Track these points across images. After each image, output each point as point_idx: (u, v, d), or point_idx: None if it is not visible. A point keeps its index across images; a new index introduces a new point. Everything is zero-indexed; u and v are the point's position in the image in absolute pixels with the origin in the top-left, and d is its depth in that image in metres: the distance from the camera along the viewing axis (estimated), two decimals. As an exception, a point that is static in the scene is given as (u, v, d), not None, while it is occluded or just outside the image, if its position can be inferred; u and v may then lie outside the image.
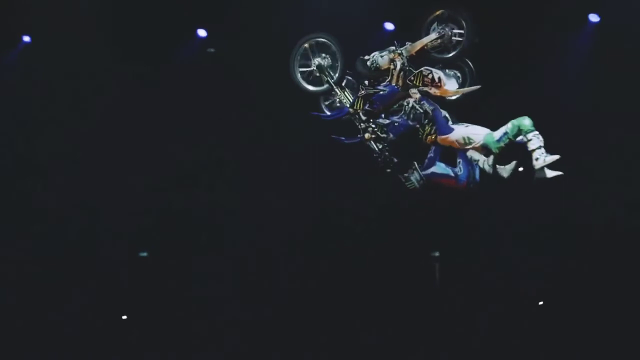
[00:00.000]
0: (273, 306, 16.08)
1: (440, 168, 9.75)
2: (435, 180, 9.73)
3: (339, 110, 9.94)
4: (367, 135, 9.65)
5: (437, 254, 16.29)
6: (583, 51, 14.93)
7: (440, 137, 9.53)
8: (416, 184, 9.66)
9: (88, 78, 15.37)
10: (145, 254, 16.40)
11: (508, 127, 9.34)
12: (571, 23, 14.88)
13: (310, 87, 9.98)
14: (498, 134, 9.38)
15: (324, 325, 16.02)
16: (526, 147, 9.29)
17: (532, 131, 9.26)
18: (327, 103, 10.07)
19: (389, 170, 9.69)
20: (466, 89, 9.50)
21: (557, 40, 14.86)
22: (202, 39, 15.65)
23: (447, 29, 9.54)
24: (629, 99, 14.68)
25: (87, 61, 15.25)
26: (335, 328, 16.02)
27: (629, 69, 14.60)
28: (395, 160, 9.65)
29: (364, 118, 9.68)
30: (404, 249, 16.12)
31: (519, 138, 9.36)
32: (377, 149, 9.66)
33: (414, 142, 9.80)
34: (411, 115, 9.71)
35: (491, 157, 9.55)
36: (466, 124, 9.54)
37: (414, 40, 9.65)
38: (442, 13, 9.57)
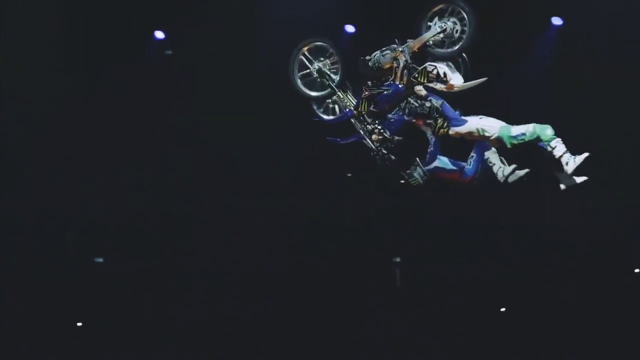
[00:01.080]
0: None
1: (442, 162, 9.61)
2: (438, 174, 9.59)
3: (343, 113, 9.84)
4: (374, 137, 9.50)
5: (398, 259, 16.31)
6: (546, 54, 14.91)
7: (453, 130, 9.37)
8: (420, 180, 9.51)
9: (43, 81, 15.19)
10: (101, 260, 16.35)
11: (529, 129, 9.19)
12: (534, 26, 14.86)
13: (313, 93, 9.85)
14: (515, 130, 9.23)
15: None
16: (552, 156, 9.14)
17: (554, 139, 9.17)
18: (321, 109, 9.94)
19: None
20: (472, 83, 9.38)
21: (520, 43, 14.83)
22: (159, 41, 15.56)
23: (448, 23, 9.45)
24: (591, 102, 14.66)
25: (41, 64, 15.12)
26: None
27: (591, 71, 14.62)
28: (393, 157, 9.50)
29: (369, 120, 9.56)
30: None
31: (540, 143, 9.23)
32: (374, 147, 9.52)
33: (411, 138, 9.71)
34: (406, 111, 9.56)
35: (508, 169, 9.42)
36: (480, 116, 9.38)
37: (414, 37, 9.57)
38: (442, 7, 9.45)
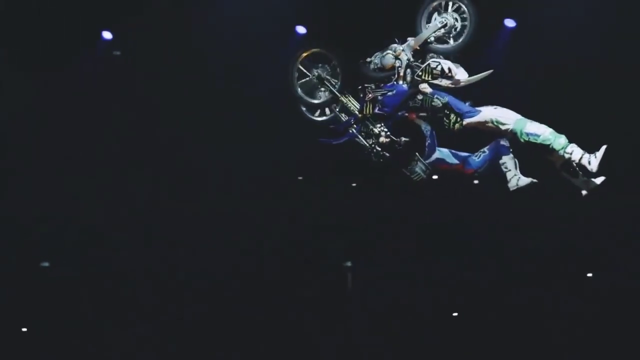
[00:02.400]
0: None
1: (443, 154, 9.54)
2: (440, 166, 9.52)
3: (334, 114, 9.78)
4: (381, 140, 9.43)
5: (349, 263, 16.31)
6: (498, 56, 14.85)
7: (467, 122, 9.19)
8: (422, 174, 9.42)
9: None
10: (47, 264, 16.29)
11: (544, 134, 9.00)
12: (487, 28, 14.80)
13: (314, 100, 9.80)
14: (530, 128, 9.04)
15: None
16: (570, 162, 8.94)
17: (568, 145, 8.97)
18: (316, 113, 9.91)
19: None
20: (478, 76, 9.33)
21: (473, 45, 14.76)
22: (107, 41, 15.47)
23: (449, 18, 9.42)
24: (544, 106, 14.59)
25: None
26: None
27: (544, 74, 14.58)
28: (387, 155, 9.46)
29: (374, 122, 9.49)
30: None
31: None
32: (367, 145, 9.48)
33: (408, 134, 9.66)
34: None
35: (524, 180, 9.28)
36: (494, 106, 9.22)
37: (413, 35, 9.56)
38: (440, 3, 9.43)
